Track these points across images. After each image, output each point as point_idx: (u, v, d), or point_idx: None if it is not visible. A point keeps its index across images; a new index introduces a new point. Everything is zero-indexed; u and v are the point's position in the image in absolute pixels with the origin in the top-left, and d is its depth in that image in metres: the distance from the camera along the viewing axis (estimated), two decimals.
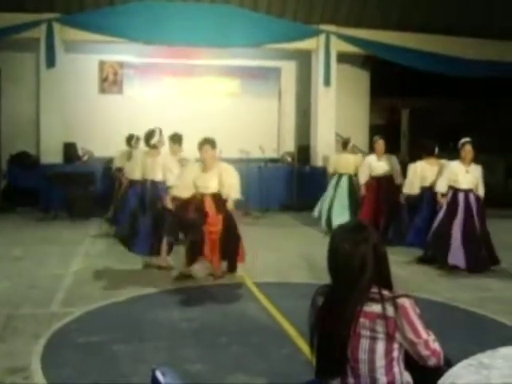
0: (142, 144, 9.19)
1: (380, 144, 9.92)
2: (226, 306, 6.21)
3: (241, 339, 5.17)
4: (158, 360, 4.57)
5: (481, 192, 7.97)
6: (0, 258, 8.29)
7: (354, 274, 2.45)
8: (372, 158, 10.01)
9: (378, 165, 9.91)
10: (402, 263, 8.03)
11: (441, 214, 7.92)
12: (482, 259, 7.76)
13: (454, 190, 7.90)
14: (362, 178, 9.98)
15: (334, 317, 2.45)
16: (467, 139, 7.93)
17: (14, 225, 11.15)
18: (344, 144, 10.94)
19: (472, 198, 7.87)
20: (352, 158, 10.59)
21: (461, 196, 7.85)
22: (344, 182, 10.51)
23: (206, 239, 6.81)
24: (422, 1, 13.93)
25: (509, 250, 8.33)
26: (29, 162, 13.23)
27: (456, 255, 7.66)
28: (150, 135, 7.59)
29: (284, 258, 8.60)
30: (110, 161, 11.73)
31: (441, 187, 8.02)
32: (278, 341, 5.12)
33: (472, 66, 14.59)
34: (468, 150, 7.85)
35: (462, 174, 7.86)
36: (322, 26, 14.20)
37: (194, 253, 6.87)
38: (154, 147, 7.57)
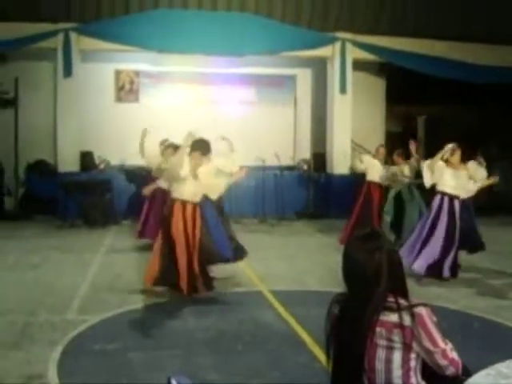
0: None
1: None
2: (241, 314, 6.19)
3: (256, 347, 5.16)
4: (173, 368, 4.57)
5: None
6: (17, 265, 8.36)
7: (369, 283, 2.42)
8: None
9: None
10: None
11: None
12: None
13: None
14: None
15: (350, 326, 2.43)
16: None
17: (31, 232, 11.22)
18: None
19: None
20: None
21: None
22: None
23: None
24: (437, 7, 13.87)
25: None
26: (46, 171, 13.34)
27: None
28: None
29: (299, 266, 8.58)
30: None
31: None
32: (294, 349, 5.09)
33: (487, 72, 14.50)
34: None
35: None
36: (338, 34, 14.19)
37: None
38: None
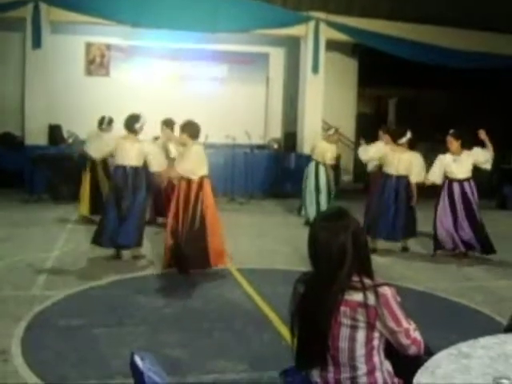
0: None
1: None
2: (208, 292, 6.20)
3: (222, 325, 5.17)
4: (138, 344, 4.56)
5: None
6: None
7: (333, 262, 2.43)
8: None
9: None
10: (382, 251, 8.05)
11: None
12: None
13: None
14: None
15: (314, 305, 2.44)
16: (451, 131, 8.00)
17: None
18: None
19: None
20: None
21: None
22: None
23: None
24: None
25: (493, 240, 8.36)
26: (13, 144, 13.13)
27: None
28: (134, 119, 7.37)
29: (267, 245, 8.60)
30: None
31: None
32: (260, 327, 5.12)
33: (460, 56, 14.62)
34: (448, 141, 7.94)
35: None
36: (312, 13, 14.14)
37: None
38: (135, 132, 7.34)
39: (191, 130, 6.73)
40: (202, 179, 6.65)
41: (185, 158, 6.64)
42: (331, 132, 10.45)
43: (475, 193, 7.97)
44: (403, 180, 8.11)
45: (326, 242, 2.44)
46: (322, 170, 10.16)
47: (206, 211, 6.60)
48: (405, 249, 8.34)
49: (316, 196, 10.10)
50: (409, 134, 8.22)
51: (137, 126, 7.32)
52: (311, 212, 9.91)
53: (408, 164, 8.11)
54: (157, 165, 7.23)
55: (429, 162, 8.36)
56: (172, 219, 6.64)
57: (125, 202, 7.12)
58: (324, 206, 9.84)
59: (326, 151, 10.15)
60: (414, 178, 8.09)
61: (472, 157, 7.95)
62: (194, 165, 6.59)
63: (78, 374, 4.07)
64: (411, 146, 8.54)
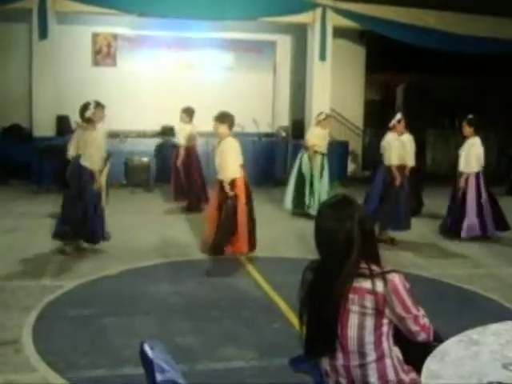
0: None
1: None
2: (217, 280, 6.21)
3: (232, 313, 5.19)
4: (148, 333, 4.58)
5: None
6: None
7: (340, 250, 2.42)
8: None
9: None
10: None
11: None
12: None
13: None
14: None
15: (323, 293, 2.43)
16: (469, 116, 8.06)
17: (6, 197, 11.09)
18: None
19: None
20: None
21: None
22: None
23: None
24: None
25: None
26: (21, 135, 13.14)
27: None
28: (84, 108, 7.20)
29: (277, 233, 8.60)
30: None
31: None
32: (269, 315, 5.13)
33: (467, 42, 14.52)
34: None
35: None
36: (319, 0, 14.05)
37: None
38: (89, 121, 7.16)
39: (230, 120, 6.77)
40: (233, 181, 6.62)
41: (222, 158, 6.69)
42: (322, 117, 9.99)
43: None
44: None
45: (332, 230, 2.44)
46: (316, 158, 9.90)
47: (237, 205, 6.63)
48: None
49: (311, 185, 9.88)
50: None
51: (87, 114, 7.17)
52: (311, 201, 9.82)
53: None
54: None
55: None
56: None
57: None
58: (323, 194, 9.69)
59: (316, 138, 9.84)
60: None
61: None
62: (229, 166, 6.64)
63: (88, 363, 4.10)
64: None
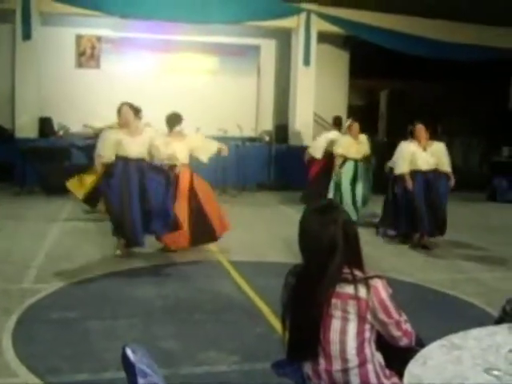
0: None
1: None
2: (200, 284, 6.20)
3: (215, 317, 5.18)
4: (131, 337, 4.56)
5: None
6: None
7: (324, 255, 2.43)
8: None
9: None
10: (374, 243, 8.08)
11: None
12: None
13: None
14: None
15: (306, 298, 2.44)
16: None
17: None
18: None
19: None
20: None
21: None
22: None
23: None
24: None
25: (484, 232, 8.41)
26: (3, 137, 13.02)
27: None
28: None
29: (259, 237, 8.61)
30: None
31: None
32: (252, 319, 5.12)
33: (452, 49, 14.65)
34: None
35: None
36: (303, 5, 14.12)
37: None
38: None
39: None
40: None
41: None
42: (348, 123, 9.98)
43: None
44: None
45: (316, 235, 2.45)
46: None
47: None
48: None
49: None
50: None
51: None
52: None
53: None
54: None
55: None
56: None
57: None
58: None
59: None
60: None
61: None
62: None
63: (70, 367, 4.06)
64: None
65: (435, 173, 8.05)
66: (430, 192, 8.00)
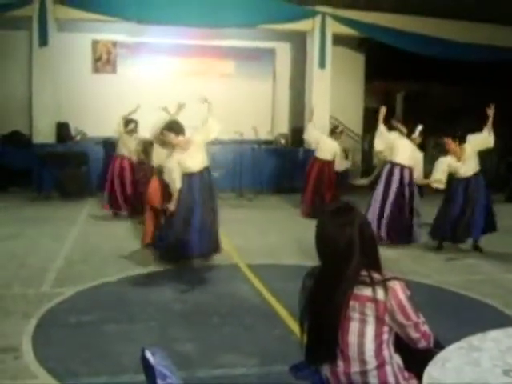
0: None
1: None
2: (218, 287, 6.21)
3: (232, 320, 5.18)
4: (149, 340, 4.58)
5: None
6: None
7: (341, 257, 2.42)
8: None
9: None
10: (389, 245, 8.04)
11: None
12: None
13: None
14: None
15: (324, 300, 2.44)
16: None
17: (6, 204, 11.10)
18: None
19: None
20: None
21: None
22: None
23: None
24: None
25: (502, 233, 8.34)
26: (21, 142, 13.16)
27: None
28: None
29: (276, 240, 8.60)
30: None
31: None
32: (270, 322, 5.12)
33: (466, 49, 14.56)
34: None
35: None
36: (318, 8, 14.11)
37: None
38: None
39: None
40: None
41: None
42: (338, 130, 10.87)
43: None
44: None
45: (332, 237, 2.44)
46: None
47: None
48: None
49: None
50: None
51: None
52: None
53: None
54: None
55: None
56: None
57: None
58: None
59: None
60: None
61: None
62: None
63: (88, 371, 4.09)
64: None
65: None
66: None
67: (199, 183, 6.58)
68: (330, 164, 10.52)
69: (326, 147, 10.54)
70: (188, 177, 6.52)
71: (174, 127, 6.66)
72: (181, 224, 6.46)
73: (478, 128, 8.17)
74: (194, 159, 6.57)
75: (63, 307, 5.44)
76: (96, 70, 14.35)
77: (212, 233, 6.66)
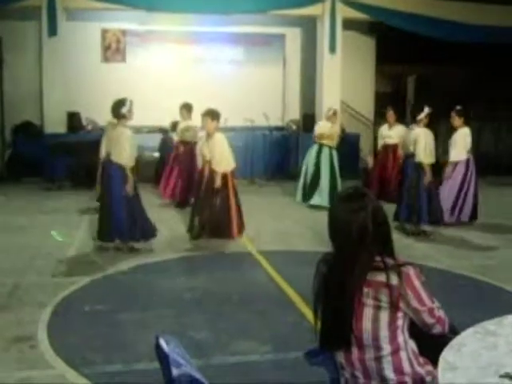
0: None
1: (391, 114, 10.49)
2: (230, 274, 6.22)
3: (245, 307, 5.19)
4: (163, 328, 4.59)
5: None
6: (4, 227, 8.31)
7: (354, 243, 2.40)
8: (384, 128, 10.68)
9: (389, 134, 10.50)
10: (401, 230, 8.01)
11: None
12: None
13: None
14: None
15: (337, 286, 2.42)
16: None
17: (18, 194, 11.16)
18: None
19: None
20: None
21: None
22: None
23: None
24: None
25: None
26: (33, 132, 13.18)
27: None
28: (120, 104, 7.04)
29: (289, 226, 8.60)
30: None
31: None
32: (283, 308, 5.13)
33: (476, 31, 14.41)
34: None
35: None
36: None
37: None
38: (123, 117, 6.98)
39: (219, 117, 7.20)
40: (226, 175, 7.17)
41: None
42: (330, 113, 10.54)
43: None
44: None
45: (345, 222, 2.42)
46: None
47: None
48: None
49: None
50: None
51: (123, 110, 6.98)
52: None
53: None
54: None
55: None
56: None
57: None
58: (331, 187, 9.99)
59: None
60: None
61: None
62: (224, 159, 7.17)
63: (103, 359, 4.11)
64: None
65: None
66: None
67: None
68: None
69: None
70: None
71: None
72: None
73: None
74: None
75: (77, 296, 5.48)
76: (105, 58, 14.33)
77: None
